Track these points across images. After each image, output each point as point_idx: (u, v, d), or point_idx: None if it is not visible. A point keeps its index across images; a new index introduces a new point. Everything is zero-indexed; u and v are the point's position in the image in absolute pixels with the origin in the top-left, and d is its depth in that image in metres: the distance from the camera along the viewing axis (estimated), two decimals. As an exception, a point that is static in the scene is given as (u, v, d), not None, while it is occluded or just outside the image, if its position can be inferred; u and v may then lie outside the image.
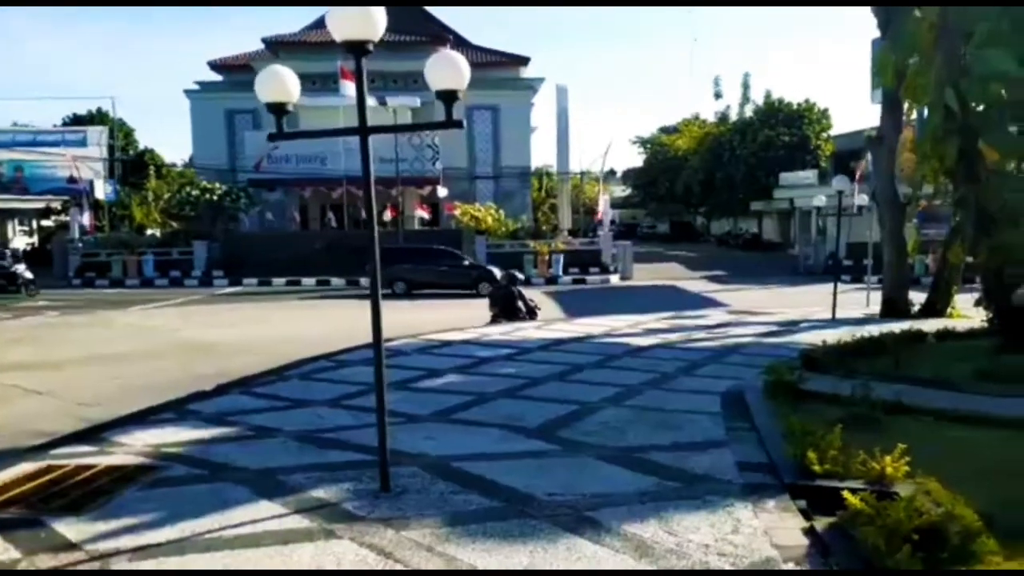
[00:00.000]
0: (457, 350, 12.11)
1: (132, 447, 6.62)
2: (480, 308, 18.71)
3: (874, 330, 12.71)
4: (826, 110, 51.21)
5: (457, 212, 33.35)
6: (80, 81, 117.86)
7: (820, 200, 24.16)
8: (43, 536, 4.66)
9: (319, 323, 16.90)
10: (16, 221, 44.77)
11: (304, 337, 13.91)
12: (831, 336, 12.86)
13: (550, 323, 16.33)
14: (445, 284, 24.91)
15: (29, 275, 25.40)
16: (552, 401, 8.27)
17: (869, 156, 22.83)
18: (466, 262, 25.93)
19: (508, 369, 10.45)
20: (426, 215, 35.57)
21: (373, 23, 4.79)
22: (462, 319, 16.62)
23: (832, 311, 16.90)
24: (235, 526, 4.74)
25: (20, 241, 42.03)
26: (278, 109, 5.29)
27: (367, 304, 5.52)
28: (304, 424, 7.37)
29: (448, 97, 5.05)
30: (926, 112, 12.61)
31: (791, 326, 15.58)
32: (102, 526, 4.80)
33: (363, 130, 5.23)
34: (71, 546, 4.49)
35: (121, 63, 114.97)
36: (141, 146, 55.20)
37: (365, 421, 7.25)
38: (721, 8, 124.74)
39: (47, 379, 10.62)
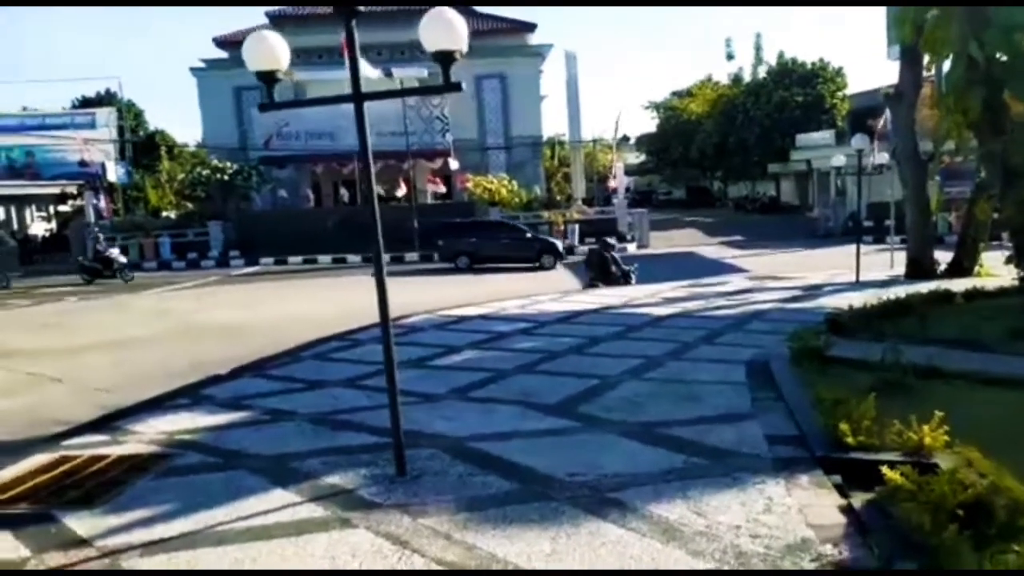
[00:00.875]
0: (475, 325, 11.93)
1: (146, 435, 6.52)
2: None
3: (900, 292, 12.39)
4: (840, 69, 50.07)
5: (469, 184, 33.01)
6: (87, 64, 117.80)
7: (839, 160, 23.63)
8: (53, 532, 4.56)
9: (335, 302, 16.73)
10: (34, 207, 44.91)
11: (320, 316, 13.76)
12: (856, 299, 12.54)
13: (568, 295, 16.10)
14: (508, 257, 24.51)
15: (124, 259, 25.00)
16: (571, 375, 8.08)
17: (888, 113, 22.30)
18: (528, 235, 25.44)
19: (526, 343, 10.26)
20: (440, 188, 35.28)
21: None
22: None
23: (856, 273, 16.56)
24: (248, 517, 4.61)
25: (38, 227, 42.15)
26: (268, 77, 5.05)
27: (387, 280, 5.32)
28: (319, 406, 7.23)
29: (445, 59, 4.78)
30: (947, 65, 12.16)
31: (814, 290, 15.27)
32: (114, 520, 4.69)
33: (357, 97, 4.99)
34: (81, 542, 4.38)
35: (128, 43, 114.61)
36: (151, 127, 55.04)
37: (380, 402, 7.04)
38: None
39: (65, 365, 10.55)
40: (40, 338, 13.31)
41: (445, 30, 4.78)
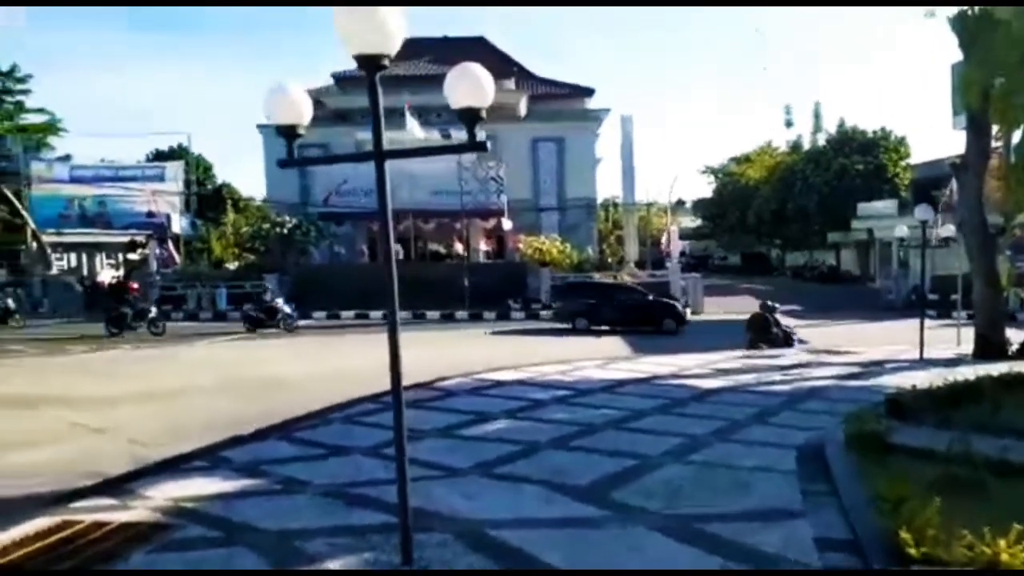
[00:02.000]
0: (510, 391, 11.51)
1: (155, 500, 6.23)
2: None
3: (968, 372, 11.57)
4: (903, 138, 49.16)
5: (521, 245, 32.97)
6: (163, 117, 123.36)
7: (902, 231, 22.82)
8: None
9: (380, 358, 16.42)
10: (103, 254, 46.57)
11: (360, 373, 13.50)
12: (920, 379, 11.74)
13: (613, 362, 15.58)
14: (628, 320, 23.38)
15: (288, 309, 24.55)
16: (607, 454, 7.57)
17: (954, 184, 21.45)
18: (649, 297, 24.52)
19: (562, 415, 9.77)
20: (492, 248, 35.35)
21: (386, 33, 4.26)
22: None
23: (919, 350, 15.65)
24: (236, 605, 4.24)
25: (107, 274, 43.59)
26: (289, 132, 4.85)
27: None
28: (337, 476, 6.87)
29: (470, 116, 4.52)
30: (1017, 136, 11.58)
31: (875, 367, 14.46)
32: (97, 599, 4.36)
33: (379, 155, 4.74)
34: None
35: (201, 98, 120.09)
36: (219, 180, 56.91)
37: (402, 474, 6.72)
38: (791, 34, 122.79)
39: (109, 415, 10.49)
40: (90, 385, 13.37)
41: (471, 87, 4.53)
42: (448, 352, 17.52)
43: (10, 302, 27.50)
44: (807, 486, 6.43)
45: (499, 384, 12.21)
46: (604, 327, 23.19)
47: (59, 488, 6.67)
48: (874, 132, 48.92)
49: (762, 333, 18.58)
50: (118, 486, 6.68)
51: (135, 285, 25.71)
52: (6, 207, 39.14)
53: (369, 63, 4.37)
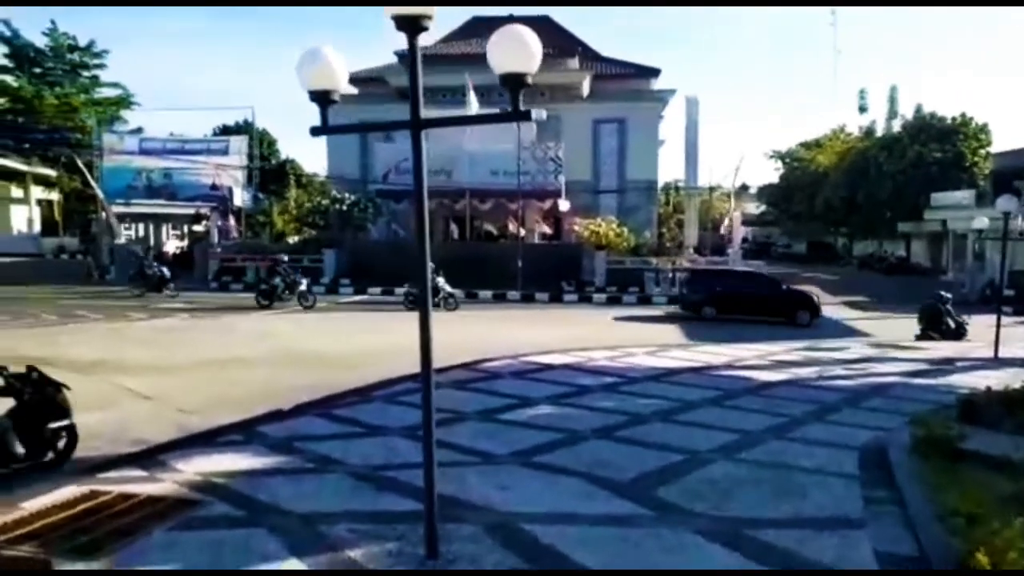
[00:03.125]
0: (556, 375, 11.16)
1: (184, 474, 6.12)
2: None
3: (1050, 375, 10.80)
4: (985, 125, 46.54)
5: (577, 227, 32.42)
6: (231, 92, 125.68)
7: (982, 222, 21.46)
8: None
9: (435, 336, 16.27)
10: (169, 225, 47.81)
11: (411, 350, 13.39)
12: (994, 379, 10.99)
13: (666, 349, 15.06)
14: (758, 310, 22.32)
15: (449, 288, 23.88)
16: (653, 447, 7.18)
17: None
18: (784, 287, 23.25)
19: (608, 402, 9.38)
20: (548, 229, 34.85)
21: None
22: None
23: (995, 348, 14.72)
24: (247, 593, 4.03)
25: (172, 244, 44.73)
26: (322, 98, 4.56)
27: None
28: (371, 457, 6.66)
29: (514, 82, 4.15)
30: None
31: (945, 364, 13.66)
32: (108, 578, 4.21)
33: (416, 124, 4.42)
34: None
35: (267, 76, 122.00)
36: (283, 156, 57.65)
37: (438, 459, 6.45)
38: (867, 15, 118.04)
39: (157, 383, 10.55)
40: (144, 352, 13.53)
41: (515, 50, 4.16)
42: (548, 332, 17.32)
43: (165, 270, 27.98)
44: (869, 492, 5.96)
45: (547, 368, 11.87)
46: (732, 317, 22.02)
47: (108, 452, 6.66)
48: (953, 119, 46.52)
49: (933, 323, 18.75)
50: (150, 457, 6.59)
51: (284, 257, 25.91)
52: (79, 178, 40.36)
53: (411, 25, 4.08)
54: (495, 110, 32.70)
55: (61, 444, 6.38)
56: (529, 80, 4.23)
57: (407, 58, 4.38)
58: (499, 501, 5.53)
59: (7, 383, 6.24)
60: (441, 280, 23.67)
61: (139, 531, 4.89)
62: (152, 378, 10.91)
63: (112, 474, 6.13)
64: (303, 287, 23.79)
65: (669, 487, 5.96)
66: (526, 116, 4.32)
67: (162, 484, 5.86)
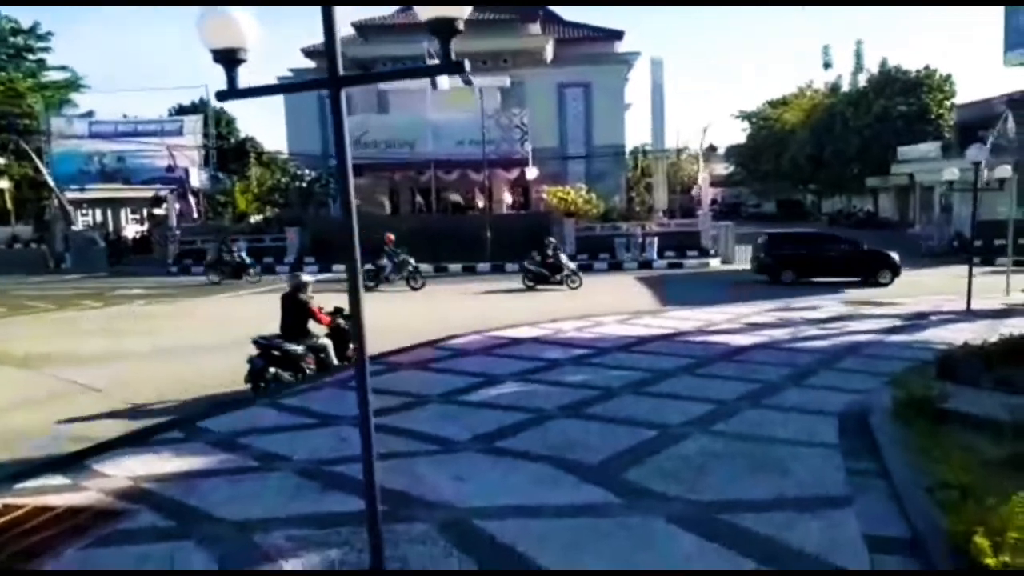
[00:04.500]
0: (524, 350, 10.70)
1: (111, 480, 5.58)
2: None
3: (1022, 324, 10.56)
4: (948, 76, 46.51)
5: (545, 195, 31.88)
6: (185, 72, 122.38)
7: (952, 173, 21.27)
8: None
9: (397, 313, 15.81)
10: (128, 210, 46.44)
11: (373, 328, 12.85)
12: (969, 332, 10.79)
13: (637, 316, 14.66)
14: (838, 271, 21.86)
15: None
16: (623, 423, 6.76)
17: (1010, 122, 19.97)
18: (864, 247, 22.50)
19: (577, 376, 8.95)
20: (515, 198, 34.27)
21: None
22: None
23: (966, 300, 14.53)
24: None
25: (131, 229, 43.47)
26: (227, 57, 3.97)
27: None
28: (319, 451, 6.15)
29: (444, 29, 3.61)
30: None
31: (918, 319, 13.42)
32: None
33: (335, 81, 3.87)
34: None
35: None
36: (243, 134, 56.25)
37: (393, 448, 5.99)
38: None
39: (108, 374, 9.98)
40: (99, 342, 12.86)
41: (441, -11, 3.60)
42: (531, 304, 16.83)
43: (245, 256, 27.30)
44: (851, 463, 5.60)
45: (514, 342, 11.41)
46: (813, 279, 21.62)
47: (40, 454, 6.08)
48: (917, 71, 46.45)
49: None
50: (77, 462, 6.03)
51: (391, 236, 24.75)
52: (30, 164, 38.93)
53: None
54: (455, 78, 31.98)
55: None
56: (460, 26, 3.68)
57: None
58: (453, 495, 5.07)
59: None
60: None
61: (49, 551, 4.37)
62: (101, 368, 10.36)
63: (31, 483, 5.58)
64: (411, 268, 22.56)
65: (641, 468, 5.55)
66: (458, 68, 3.77)
67: (86, 493, 5.33)
